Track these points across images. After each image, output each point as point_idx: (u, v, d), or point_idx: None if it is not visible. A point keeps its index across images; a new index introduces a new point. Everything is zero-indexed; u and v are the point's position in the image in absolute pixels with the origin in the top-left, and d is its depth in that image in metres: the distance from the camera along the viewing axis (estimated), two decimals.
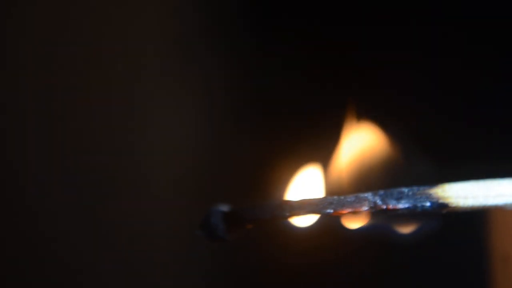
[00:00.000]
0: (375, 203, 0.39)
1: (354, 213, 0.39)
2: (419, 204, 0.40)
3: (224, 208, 0.39)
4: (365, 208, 0.39)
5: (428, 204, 0.40)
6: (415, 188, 0.40)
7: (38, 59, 0.71)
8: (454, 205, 0.40)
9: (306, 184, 0.44)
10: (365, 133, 0.46)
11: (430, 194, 0.40)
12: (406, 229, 0.45)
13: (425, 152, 0.49)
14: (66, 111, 0.72)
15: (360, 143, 0.45)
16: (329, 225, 0.42)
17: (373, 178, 0.45)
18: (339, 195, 0.40)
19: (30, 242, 0.71)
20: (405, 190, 0.40)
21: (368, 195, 0.40)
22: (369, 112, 0.46)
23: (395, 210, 0.40)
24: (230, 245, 0.41)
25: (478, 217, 0.48)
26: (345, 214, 0.39)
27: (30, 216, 0.72)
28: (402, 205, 0.40)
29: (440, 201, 0.40)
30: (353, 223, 0.43)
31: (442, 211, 0.41)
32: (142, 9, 0.69)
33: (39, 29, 0.71)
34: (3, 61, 0.69)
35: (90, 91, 0.69)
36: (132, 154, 0.70)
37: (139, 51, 0.70)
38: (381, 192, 0.40)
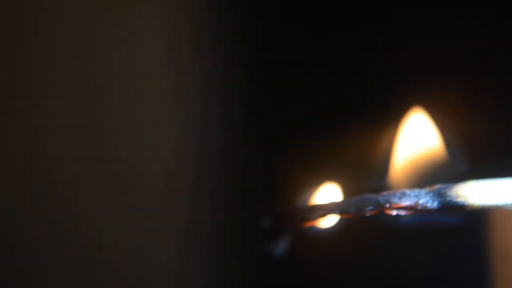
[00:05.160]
0: (378, 203, 0.40)
1: (360, 213, 0.40)
2: (420, 204, 0.41)
3: (266, 222, 0.40)
4: (370, 208, 0.40)
5: (429, 204, 0.41)
6: (417, 189, 0.41)
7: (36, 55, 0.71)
8: (454, 205, 0.41)
9: (326, 191, 0.45)
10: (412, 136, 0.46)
11: (432, 194, 0.41)
12: (407, 228, 0.46)
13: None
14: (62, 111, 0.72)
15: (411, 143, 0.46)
16: (347, 225, 0.43)
17: (424, 175, 0.45)
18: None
19: (30, 242, 0.72)
20: (408, 191, 0.41)
21: (372, 195, 0.40)
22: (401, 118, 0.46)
23: (398, 209, 0.40)
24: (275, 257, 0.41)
25: (478, 217, 0.49)
26: (351, 215, 0.40)
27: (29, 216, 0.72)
28: (404, 203, 0.41)
29: (441, 201, 0.41)
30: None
31: (443, 211, 0.41)
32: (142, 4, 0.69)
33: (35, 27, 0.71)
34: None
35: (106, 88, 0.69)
36: (137, 158, 0.70)
37: (142, 47, 0.71)
38: (385, 192, 0.40)
